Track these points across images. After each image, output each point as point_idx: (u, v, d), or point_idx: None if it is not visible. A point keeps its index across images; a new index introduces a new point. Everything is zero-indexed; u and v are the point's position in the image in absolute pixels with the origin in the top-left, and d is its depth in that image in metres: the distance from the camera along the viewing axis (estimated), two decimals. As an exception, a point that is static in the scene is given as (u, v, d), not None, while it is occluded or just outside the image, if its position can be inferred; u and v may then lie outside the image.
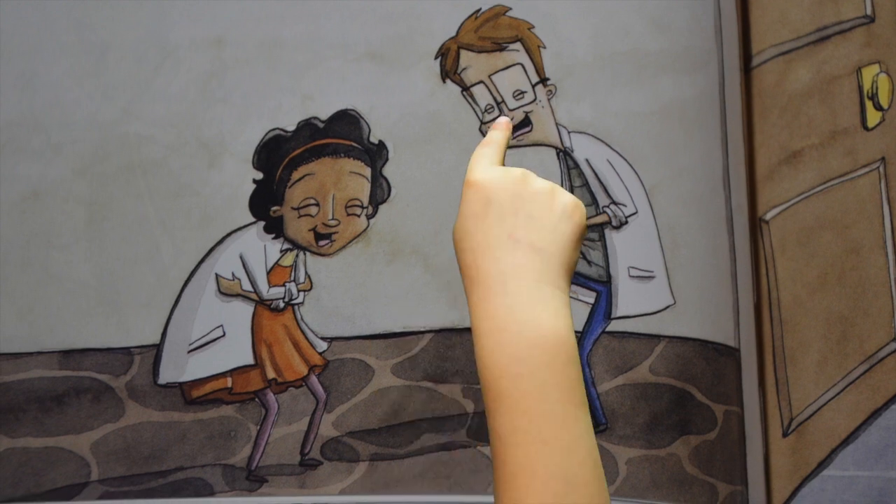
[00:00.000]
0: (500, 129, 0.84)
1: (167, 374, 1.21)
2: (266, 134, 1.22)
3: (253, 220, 1.22)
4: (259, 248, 1.22)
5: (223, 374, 1.22)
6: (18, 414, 1.20)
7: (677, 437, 1.22)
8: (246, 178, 1.22)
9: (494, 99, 1.23)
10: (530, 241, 0.73)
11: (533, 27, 1.22)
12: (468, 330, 1.21)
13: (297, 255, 1.22)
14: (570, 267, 0.75)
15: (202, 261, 1.22)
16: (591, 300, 1.23)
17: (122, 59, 1.22)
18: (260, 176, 1.22)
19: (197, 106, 1.22)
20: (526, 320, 0.69)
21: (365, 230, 1.23)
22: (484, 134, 1.21)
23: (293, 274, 1.22)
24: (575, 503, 0.64)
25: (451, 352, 1.22)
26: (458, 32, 1.22)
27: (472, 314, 0.73)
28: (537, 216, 0.74)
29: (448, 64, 1.22)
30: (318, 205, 1.22)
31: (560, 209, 0.75)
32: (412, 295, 1.22)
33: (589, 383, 1.21)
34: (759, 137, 1.22)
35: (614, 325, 1.23)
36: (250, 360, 1.22)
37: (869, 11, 1.22)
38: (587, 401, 0.69)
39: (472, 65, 1.22)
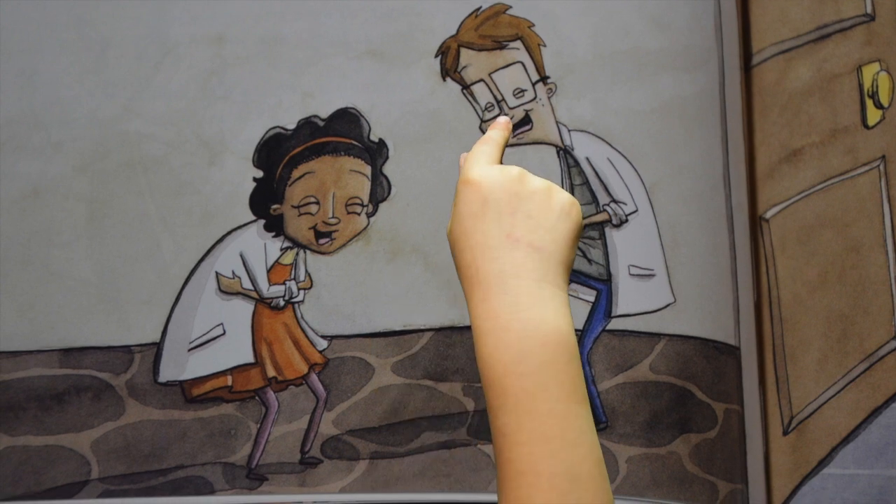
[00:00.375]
0: (499, 128, 0.84)
1: (167, 373, 1.21)
2: (266, 132, 1.22)
3: (253, 218, 1.22)
4: (259, 247, 1.22)
5: (223, 373, 1.22)
6: (18, 412, 1.20)
7: (678, 436, 1.22)
8: (246, 176, 1.22)
9: (495, 97, 1.23)
10: (529, 241, 0.73)
11: (533, 25, 1.23)
12: (468, 328, 1.21)
13: (297, 254, 1.22)
14: (569, 265, 0.75)
15: (203, 259, 1.22)
16: (592, 298, 1.23)
17: (123, 56, 1.22)
18: (260, 174, 1.22)
19: (197, 103, 1.22)
20: (528, 319, 0.69)
21: (365, 228, 1.23)
22: (484, 132, 1.21)
23: (293, 272, 1.22)
24: (579, 499, 0.64)
25: (452, 350, 1.22)
26: (458, 30, 1.22)
27: (473, 314, 0.73)
28: (535, 215, 0.74)
29: (448, 62, 1.22)
30: (318, 203, 1.22)
31: (558, 208, 0.75)
32: (412, 293, 1.22)
33: (589, 381, 1.21)
34: (760, 136, 1.22)
35: (614, 324, 1.23)
36: (250, 359, 1.22)
37: (869, 10, 1.23)
38: (588, 397, 0.69)
39: (473, 63, 1.23)
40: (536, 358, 0.68)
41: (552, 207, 0.74)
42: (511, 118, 1.22)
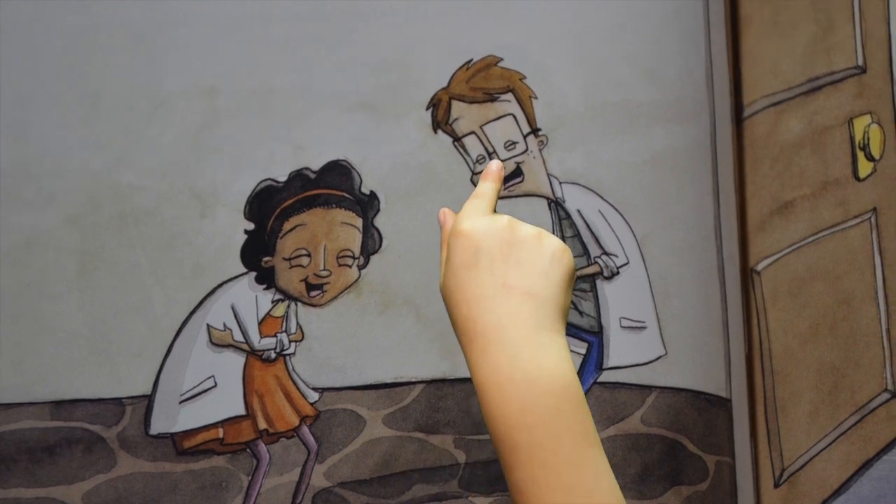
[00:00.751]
0: (492, 178, 0.84)
1: (159, 425, 1.21)
2: (258, 184, 1.22)
3: (244, 270, 1.22)
4: (250, 299, 1.22)
5: (215, 425, 1.22)
6: (9, 464, 1.20)
7: (669, 488, 1.22)
8: (238, 228, 1.22)
9: (486, 149, 1.23)
10: (524, 288, 0.73)
11: (525, 77, 1.23)
12: (460, 381, 1.21)
13: (288, 306, 1.22)
14: (565, 310, 0.75)
15: (194, 311, 1.22)
16: (583, 351, 1.23)
17: (115, 108, 1.22)
18: (251, 226, 1.22)
19: (189, 155, 1.22)
20: (531, 369, 0.69)
21: (356, 281, 1.23)
22: (475, 184, 1.21)
23: (285, 324, 1.22)
24: None
25: (443, 402, 1.22)
26: (449, 83, 1.22)
27: (473, 368, 0.72)
28: (527, 262, 0.74)
29: (440, 114, 1.22)
30: (309, 255, 1.22)
31: (549, 253, 0.75)
32: (404, 345, 1.22)
33: (580, 434, 1.21)
34: (751, 188, 1.22)
35: (605, 376, 1.23)
36: (242, 411, 1.22)
37: (860, 62, 1.23)
38: (599, 438, 0.69)
39: (464, 115, 1.23)
40: (543, 408, 0.67)
41: (544, 253, 0.75)
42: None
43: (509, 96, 1.23)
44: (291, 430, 1.22)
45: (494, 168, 0.84)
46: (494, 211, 0.83)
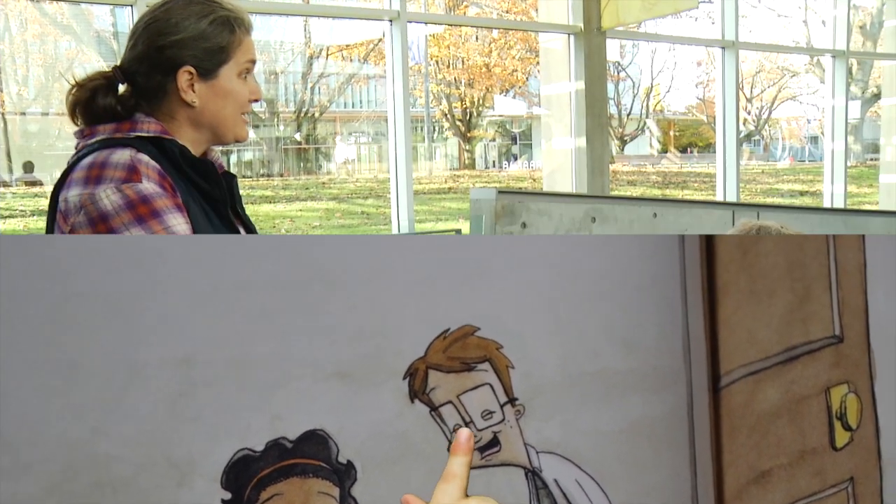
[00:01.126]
0: (461, 452, 0.84)
1: None
2: (235, 454, 1.22)
3: (222, 540, 1.22)
4: (227, 569, 1.22)
5: None
6: None
7: None
8: (215, 497, 1.22)
9: (463, 419, 1.23)
10: None
11: (501, 347, 1.23)
12: None
13: (265, 576, 1.22)
14: None
15: (171, 581, 1.22)
16: None
17: (91, 377, 1.22)
18: (228, 496, 1.22)
19: (166, 425, 1.22)
20: None
21: (333, 550, 1.22)
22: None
23: None
24: None
25: None
26: (426, 352, 1.22)
27: None
28: None
29: (416, 384, 1.22)
30: (286, 525, 1.22)
31: None
32: None
33: None
34: (728, 457, 1.22)
35: None
36: None
37: (837, 332, 1.23)
38: None
39: (441, 385, 1.22)
40: None
41: None
42: (478, 440, 1.22)
43: (486, 366, 1.23)
44: None
45: (463, 440, 0.83)
46: (467, 484, 0.82)
